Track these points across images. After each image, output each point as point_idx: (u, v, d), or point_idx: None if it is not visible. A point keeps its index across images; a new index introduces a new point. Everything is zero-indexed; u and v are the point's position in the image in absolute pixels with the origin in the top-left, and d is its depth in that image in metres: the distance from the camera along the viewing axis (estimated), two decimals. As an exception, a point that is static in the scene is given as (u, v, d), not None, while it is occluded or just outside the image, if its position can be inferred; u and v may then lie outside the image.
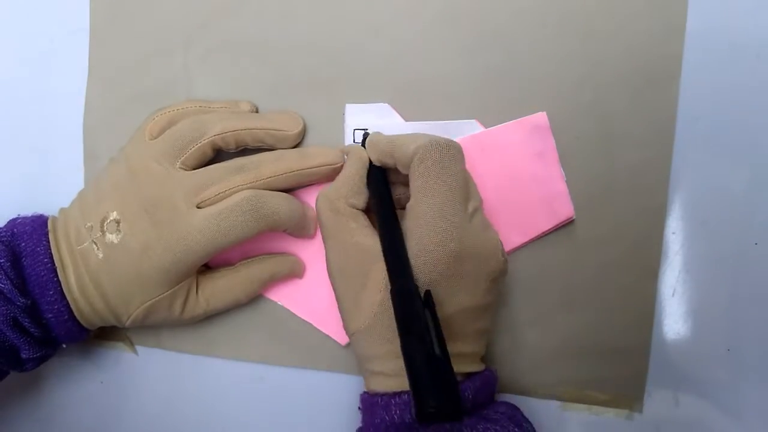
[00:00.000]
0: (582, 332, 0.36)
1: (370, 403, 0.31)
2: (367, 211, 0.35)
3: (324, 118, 0.38)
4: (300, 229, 0.37)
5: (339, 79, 0.38)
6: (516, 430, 0.30)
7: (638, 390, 0.36)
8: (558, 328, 0.36)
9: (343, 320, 0.33)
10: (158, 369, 0.42)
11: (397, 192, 0.35)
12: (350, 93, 0.38)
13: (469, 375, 0.32)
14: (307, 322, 0.39)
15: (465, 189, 0.31)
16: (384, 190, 0.34)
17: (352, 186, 0.34)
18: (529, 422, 0.32)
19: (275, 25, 0.39)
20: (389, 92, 0.38)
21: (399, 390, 0.30)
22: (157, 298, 0.35)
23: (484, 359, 0.34)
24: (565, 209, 0.36)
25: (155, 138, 0.36)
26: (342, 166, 0.36)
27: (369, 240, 0.32)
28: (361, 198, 0.34)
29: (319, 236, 0.38)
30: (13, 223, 0.36)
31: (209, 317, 0.38)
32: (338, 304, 0.34)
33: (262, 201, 0.34)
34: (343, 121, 0.38)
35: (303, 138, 0.38)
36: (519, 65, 0.36)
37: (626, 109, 0.35)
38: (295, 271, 0.38)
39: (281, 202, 0.35)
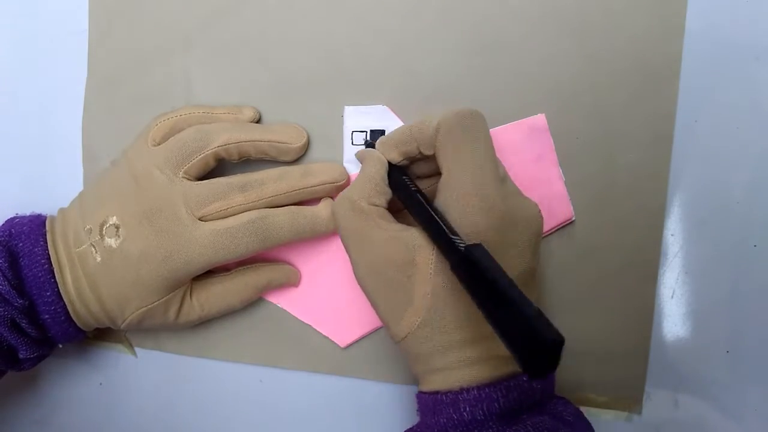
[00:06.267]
0: (581, 334, 0.36)
1: (433, 401, 0.29)
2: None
3: (323, 120, 0.38)
4: (314, 237, 0.37)
5: (338, 80, 0.38)
6: None
7: (637, 392, 0.36)
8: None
9: (388, 325, 0.31)
10: (157, 371, 0.42)
11: (421, 185, 0.34)
12: (349, 95, 0.38)
13: None
14: (306, 324, 0.39)
15: (494, 154, 0.31)
16: (410, 182, 0.33)
17: (374, 186, 0.32)
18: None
19: (274, 26, 0.39)
20: (388, 94, 0.38)
21: (466, 386, 0.29)
22: (152, 305, 0.35)
23: None
24: (564, 211, 0.36)
25: (158, 144, 0.36)
26: (347, 183, 0.37)
27: (404, 232, 0.30)
28: (384, 198, 0.32)
29: (316, 239, 0.38)
30: (11, 222, 0.36)
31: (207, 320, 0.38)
32: (378, 309, 0.31)
33: (267, 222, 0.34)
34: (342, 123, 0.38)
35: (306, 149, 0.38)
36: (517, 67, 0.36)
37: (625, 110, 0.35)
38: (291, 280, 0.38)
39: (286, 221, 0.35)
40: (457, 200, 0.29)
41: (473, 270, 0.26)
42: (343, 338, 0.38)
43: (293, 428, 0.40)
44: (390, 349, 0.38)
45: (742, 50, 0.35)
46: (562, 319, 0.36)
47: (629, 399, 0.36)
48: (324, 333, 0.39)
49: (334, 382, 0.39)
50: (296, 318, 0.39)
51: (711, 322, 0.36)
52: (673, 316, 0.36)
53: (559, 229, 0.36)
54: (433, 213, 0.30)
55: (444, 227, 0.28)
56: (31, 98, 0.43)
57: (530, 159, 0.36)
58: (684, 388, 0.36)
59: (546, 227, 0.36)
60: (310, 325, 0.39)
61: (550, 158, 0.36)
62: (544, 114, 0.36)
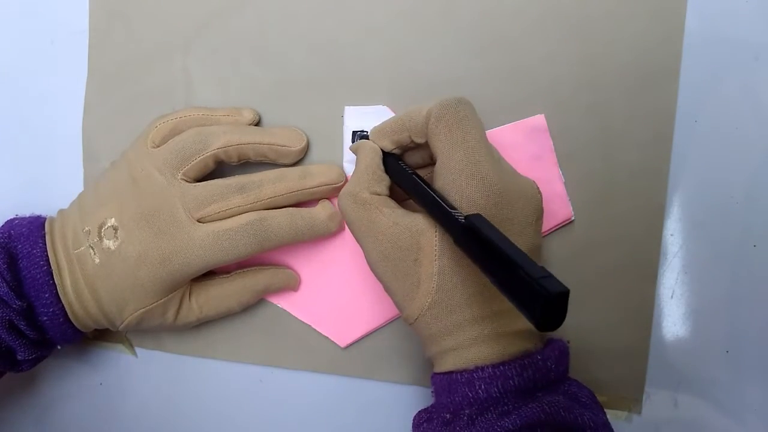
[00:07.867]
0: (581, 333, 0.36)
1: (448, 381, 0.30)
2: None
3: (323, 120, 0.38)
4: (313, 238, 0.37)
5: (338, 80, 0.38)
6: (605, 418, 0.29)
7: (637, 391, 0.36)
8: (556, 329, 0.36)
9: (401, 308, 0.32)
10: (157, 371, 0.42)
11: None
12: (349, 95, 0.38)
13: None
14: (306, 324, 0.39)
15: (485, 135, 0.31)
16: (406, 166, 0.33)
17: (372, 174, 0.33)
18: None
19: (275, 26, 0.39)
20: (388, 94, 0.38)
21: (481, 364, 0.29)
22: (151, 306, 0.35)
23: None
24: (563, 211, 0.36)
25: (158, 146, 0.36)
26: (345, 183, 0.36)
27: (408, 218, 0.31)
28: (384, 184, 0.33)
29: (316, 240, 0.38)
30: (10, 224, 0.36)
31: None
32: (391, 293, 0.32)
33: (266, 224, 0.34)
34: (342, 123, 0.38)
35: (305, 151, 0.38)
36: (517, 67, 0.36)
37: (625, 110, 0.35)
38: (290, 284, 0.38)
39: (284, 223, 0.35)
40: (455, 181, 0.30)
41: (475, 238, 0.26)
42: (343, 338, 0.38)
43: (293, 428, 0.40)
44: (390, 349, 0.38)
45: (742, 50, 0.35)
46: (561, 319, 0.36)
47: (629, 399, 0.36)
48: (324, 333, 0.39)
49: (334, 382, 0.39)
50: (296, 318, 0.39)
51: (710, 322, 0.36)
52: (673, 316, 0.36)
53: (558, 229, 0.36)
54: (430, 191, 0.30)
55: (442, 203, 0.29)
56: (32, 98, 0.43)
57: (530, 159, 0.36)
58: (684, 388, 0.36)
59: (545, 227, 0.36)
60: (310, 325, 0.39)
61: (550, 158, 0.36)
62: (543, 114, 0.36)
